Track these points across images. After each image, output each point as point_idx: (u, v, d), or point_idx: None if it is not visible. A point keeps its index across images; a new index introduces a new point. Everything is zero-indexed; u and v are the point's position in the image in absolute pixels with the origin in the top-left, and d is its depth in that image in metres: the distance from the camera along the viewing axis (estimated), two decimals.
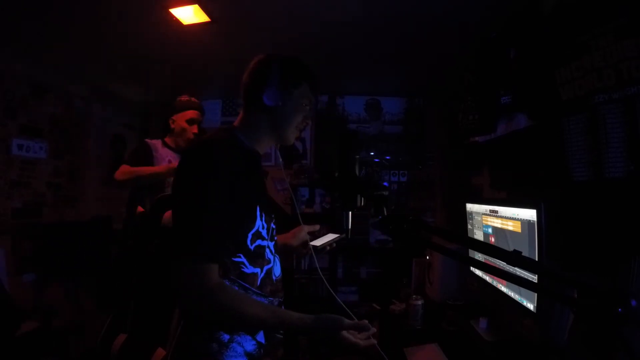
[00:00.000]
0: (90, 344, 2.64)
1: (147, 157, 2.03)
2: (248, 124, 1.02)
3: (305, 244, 1.23)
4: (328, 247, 1.24)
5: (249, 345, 0.89)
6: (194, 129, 2.10)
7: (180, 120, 2.08)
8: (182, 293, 0.80)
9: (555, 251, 1.24)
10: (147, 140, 2.11)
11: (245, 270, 0.90)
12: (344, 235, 1.26)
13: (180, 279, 0.78)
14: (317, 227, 1.28)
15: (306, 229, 1.24)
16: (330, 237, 1.29)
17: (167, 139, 2.15)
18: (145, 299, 1.65)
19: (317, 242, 1.26)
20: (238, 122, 1.04)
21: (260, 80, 0.99)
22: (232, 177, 0.84)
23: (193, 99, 2.14)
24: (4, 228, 2.44)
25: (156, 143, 2.12)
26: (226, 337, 0.87)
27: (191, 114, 2.09)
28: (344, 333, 0.84)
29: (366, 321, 0.86)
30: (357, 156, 1.09)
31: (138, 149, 2.08)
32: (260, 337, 0.91)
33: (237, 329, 0.88)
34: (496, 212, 1.53)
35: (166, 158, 2.10)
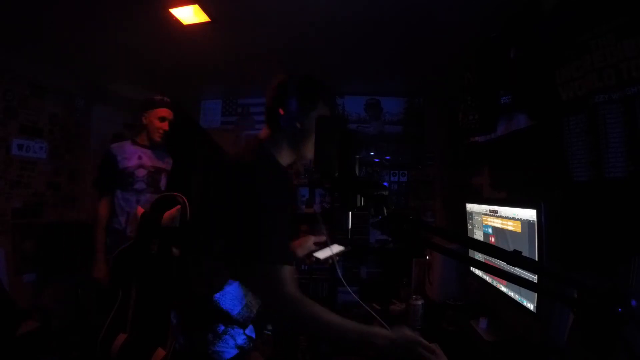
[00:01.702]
0: (90, 344, 2.64)
1: (110, 173, 2.16)
2: (273, 140, 1.07)
3: (310, 254, 1.25)
4: (331, 260, 1.26)
5: (240, 338, 0.94)
6: (165, 126, 2.22)
7: (152, 117, 2.19)
8: (270, 296, 0.88)
9: (555, 251, 1.24)
10: (111, 147, 2.22)
11: None
12: (349, 249, 1.28)
13: (265, 283, 0.87)
14: (323, 238, 1.31)
15: (313, 239, 1.26)
16: (335, 249, 1.32)
17: (138, 137, 2.25)
18: (146, 298, 1.64)
19: (321, 255, 1.28)
20: (264, 136, 1.09)
21: (278, 104, 1.05)
22: (287, 191, 0.96)
23: (166, 98, 2.25)
24: (4, 228, 2.44)
25: (123, 145, 2.23)
26: (222, 327, 0.92)
27: (163, 112, 2.20)
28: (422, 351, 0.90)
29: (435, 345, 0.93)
30: (357, 156, 1.09)
31: (102, 167, 2.21)
32: (250, 331, 0.96)
33: (315, 334, 1.00)
34: (496, 212, 1.53)
35: (135, 155, 2.20)
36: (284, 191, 0.94)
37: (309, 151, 1.08)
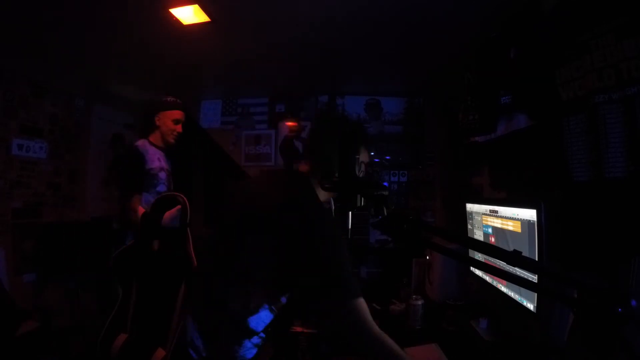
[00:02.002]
0: (90, 344, 2.64)
1: (139, 168, 2.08)
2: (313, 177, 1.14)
3: None
4: None
5: (255, 339, 1.01)
6: (179, 128, 2.22)
7: (166, 118, 2.17)
8: (358, 336, 0.93)
9: (555, 251, 1.24)
10: (137, 146, 2.14)
11: None
12: None
13: (349, 323, 0.92)
14: None
15: None
16: None
17: (151, 138, 2.21)
18: (146, 298, 1.64)
19: None
20: (306, 171, 1.15)
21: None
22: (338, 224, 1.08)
23: (178, 100, 2.23)
24: (4, 228, 2.44)
25: (144, 143, 2.17)
26: (246, 340, 1.01)
27: (177, 114, 2.19)
28: None
29: None
30: (357, 156, 1.10)
31: (131, 162, 2.11)
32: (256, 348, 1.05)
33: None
34: (496, 212, 1.53)
35: (155, 157, 2.15)
36: (336, 224, 1.03)
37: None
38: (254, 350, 1.01)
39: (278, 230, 0.95)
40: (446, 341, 1.46)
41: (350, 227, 1.11)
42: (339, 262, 0.94)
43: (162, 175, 2.16)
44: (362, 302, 0.93)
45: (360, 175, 1.14)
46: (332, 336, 1.21)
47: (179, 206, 1.70)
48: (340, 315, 0.93)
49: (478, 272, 1.74)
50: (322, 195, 1.12)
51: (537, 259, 1.19)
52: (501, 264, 1.20)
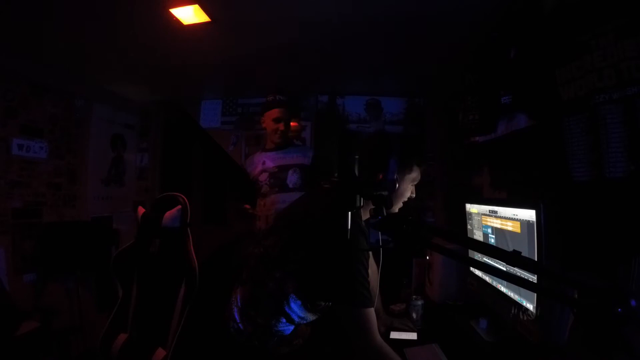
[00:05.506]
0: (90, 344, 2.64)
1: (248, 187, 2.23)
2: None
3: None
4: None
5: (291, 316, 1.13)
6: (281, 126, 2.20)
7: (267, 120, 2.21)
8: (360, 344, 1.00)
9: (555, 251, 1.24)
10: (244, 165, 2.31)
11: None
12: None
13: (354, 331, 1.00)
14: (408, 332, 1.55)
15: (396, 323, 1.56)
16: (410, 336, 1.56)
17: (266, 145, 2.29)
18: (146, 298, 1.64)
19: (395, 335, 1.49)
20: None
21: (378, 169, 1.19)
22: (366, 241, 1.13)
23: (278, 96, 2.22)
24: (4, 228, 2.44)
25: (253, 156, 2.31)
26: (282, 319, 1.13)
27: (275, 112, 2.19)
28: None
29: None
30: (357, 156, 1.10)
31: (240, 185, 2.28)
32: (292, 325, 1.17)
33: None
34: (496, 212, 1.53)
35: (259, 163, 2.24)
36: (364, 240, 1.08)
37: (398, 207, 1.23)
38: (292, 327, 1.14)
39: (310, 233, 1.07)
40: (446, 341, 1.46)
41: (349, 227, 1.12)
42: (354, 272, 1.01)
43: (263, 177, 2.22)
44: (370, 312, 1.00)
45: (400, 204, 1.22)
46: (334, 338, 1.25)
47: (179, 206, 1.70)
48: (347, 318, 1.00)
49: (478, 272, 1.74)
50: (366, 213, 1.15)
51: (536, 259, 1.19)
52: (501, 264, 1.20)
